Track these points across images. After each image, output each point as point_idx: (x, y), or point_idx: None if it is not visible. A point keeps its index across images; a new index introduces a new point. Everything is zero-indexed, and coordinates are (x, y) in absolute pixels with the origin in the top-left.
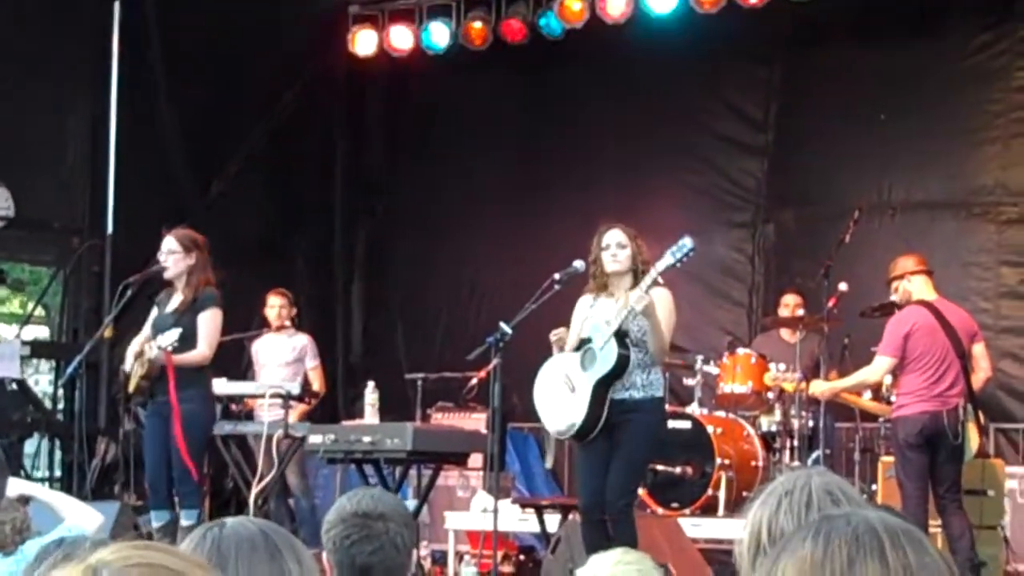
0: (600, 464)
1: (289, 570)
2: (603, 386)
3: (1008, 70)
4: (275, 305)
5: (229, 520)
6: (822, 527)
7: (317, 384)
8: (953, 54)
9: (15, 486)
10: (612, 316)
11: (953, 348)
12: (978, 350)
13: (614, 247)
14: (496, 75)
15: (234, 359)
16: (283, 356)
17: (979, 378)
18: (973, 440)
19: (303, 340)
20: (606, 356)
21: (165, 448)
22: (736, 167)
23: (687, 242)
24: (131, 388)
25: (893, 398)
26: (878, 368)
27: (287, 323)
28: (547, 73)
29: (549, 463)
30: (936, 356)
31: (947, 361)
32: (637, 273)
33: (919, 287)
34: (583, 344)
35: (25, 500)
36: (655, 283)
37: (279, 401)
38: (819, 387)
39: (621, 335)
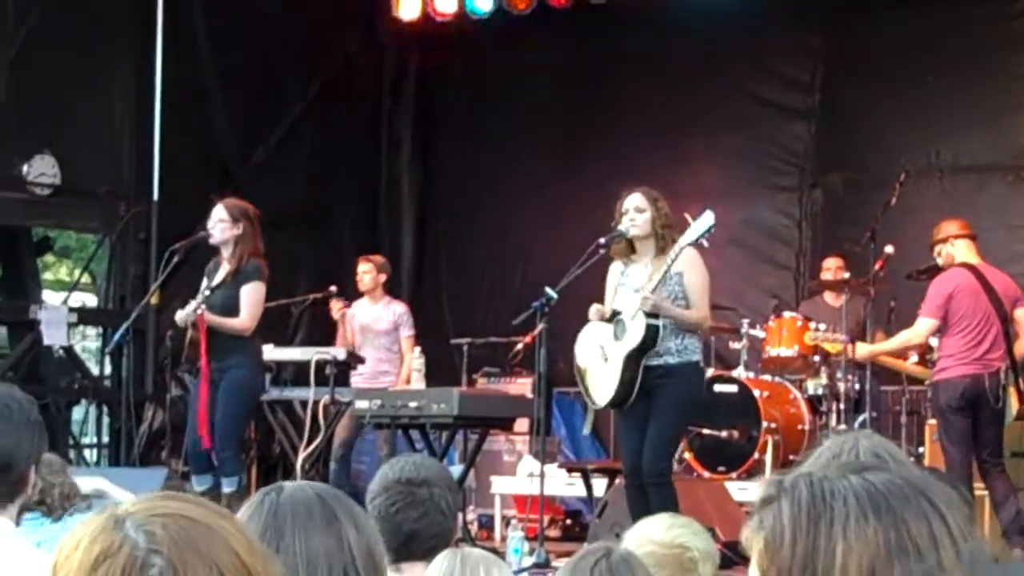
0: (638, 429)
1: (347, 535)
2: (634, 358)
3: None
4: (360, 271)
5: (287, 485)
6: (880, 503)
7: (408, 354)
8: (1001, 15)
9: (90, 482)
10: (642, 285)
11: (996, 311)
12: (1020, 314)
13: (632, 212)
14: (540, 39)
15: (280, 326)
16: (380, 324)
17: (1022, 343)
18: (1014, 403)
19: (399, 309)
20: (635, 329)
21: (210, 413)
22: (783, 131)
23: (709, 218)
24: (183, 357)
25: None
26: (921, 329)
27: (379, 290)
28: (591, 37)
29: (587, 430)
30: (978, 319)
31: (989, 324)
32: (660, 236)
33: (962, 251)
34: (616, 314)
35: (99, 495)
36: (679, 253)
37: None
38: (862, 350)
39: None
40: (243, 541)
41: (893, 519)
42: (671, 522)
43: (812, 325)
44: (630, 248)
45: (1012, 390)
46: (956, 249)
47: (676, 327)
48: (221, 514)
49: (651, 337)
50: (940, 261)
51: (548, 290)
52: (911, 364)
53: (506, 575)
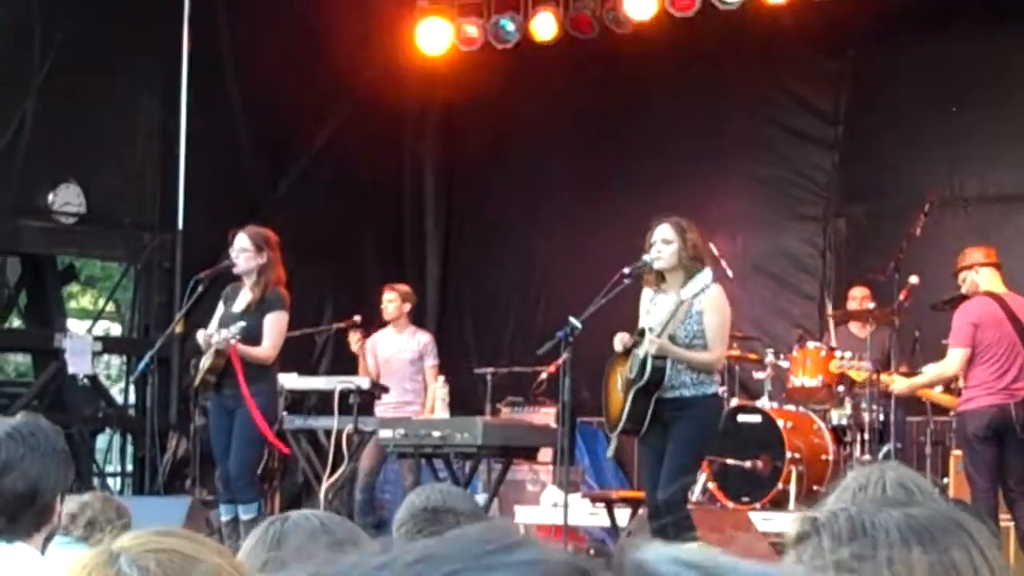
0: (657, 460)
1: None
2: (643, 393)
3: None
4: (384, 300)
5: (293, 514)
6: (922, 533)
7: (432, 384)
8: None
9: None
10: (661, 321)
11: (1020, 340)
12: None
13: (659, 243)
14: (564, 68)
15: (304, 354)
16: (404, 354)
17: None
18: None
19: (424, 338)
20: (643, 367)
21: (230, 442)
22: (806, 161)
23: (707, 275)
24: (196, 382)
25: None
26: (953, 361)
27: (403, 319)
28: (615, 66)
29: (610, 453)
30: (1004, 348)
31: (1014, 353)
32: (687, 268)
33: (987, 279)
34: (636, 343)
35: None
36: (703, 289)
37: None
38: (899, 385)
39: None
40: None
41: (936, 548)
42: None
43: (838, 353)
44: (660, 277)
45: None
46: (980, 277)
47: None
48: (216, 550)
49: (656, 377)
50: (964, 288)
51: (572, 320)
52: (938, 393)
53: None
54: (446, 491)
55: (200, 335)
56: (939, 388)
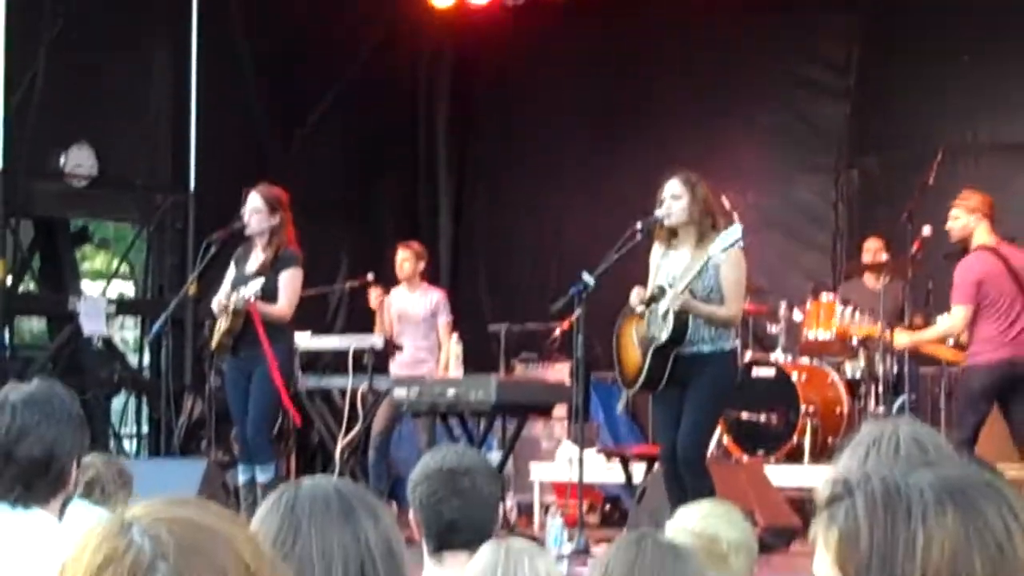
0: (673, 417)
1: (364, 528)
2: (664, 350)
3: None
4: (399, 258)
5: (306, 480)
6: (956, 493)
7: (446, 341)
8: None
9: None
10: (678, 277)
11: (1020, 291)
12: None
13: (668, 199)
14: (572, 25)
15: (317, 313)
16: (417, 311)
17: None
18: None
19: (437, 295)
20: (664, 325)
21: (248, 402)
22: (818, 111)
23: (736, 231)
24: (213, 345)
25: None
26: (958, 318)
27: (416, 277)
28: (626, 21)
29: (620, 408)
30: (1007, 301)
31: (1017, 304)
32: (699, 223)
33: (982, 231)
34: (652, 300)
35: None
36: (712, 230)
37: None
38: (901, 339)
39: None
40: (250, 547)
41: (972, 509)
42: (708, 511)
43: (839, 310)
44: (672, 233)
45: None
46: (979, 228)
47: None
48: (230, 519)
49: (680, 333)
50: (954, 224)
51: (585, 276)
52: (943, 348)
53: (550, 565)
54: (462, 452)
55: (215, 302)
56: (950, 342)
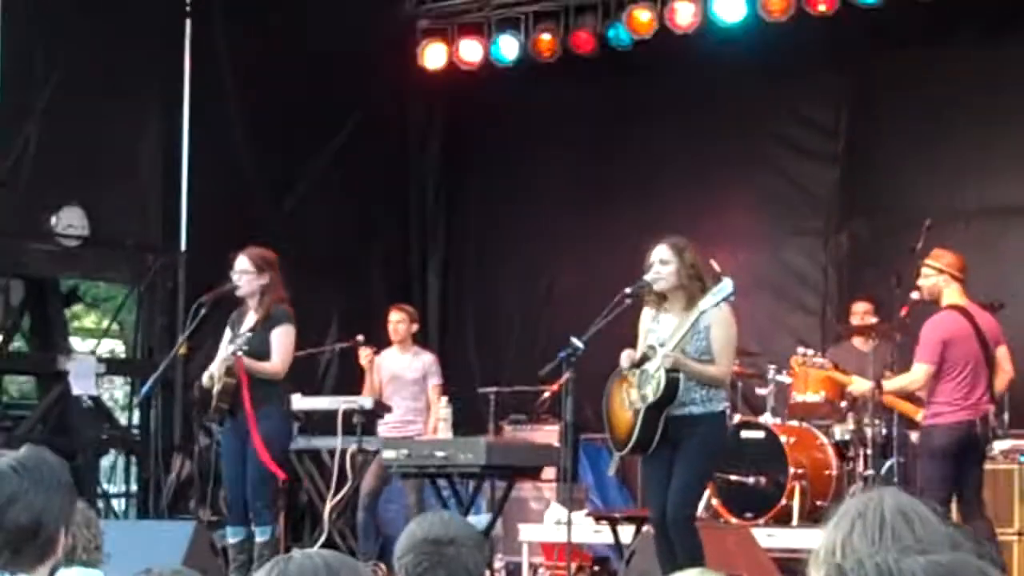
0: (663, 478)
1: None
2: (655, 410)
3: None
4: (392, 321)
5: (297, 553)
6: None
7: (435, 403)
8: None
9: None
10: (668, 338)
11: (984, 354)
12: (1002, 353)
13: (657, 264)
14: (565, 86)
15: (309, 374)
16: (408, 373)
17: (1003, 380)
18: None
19: (428, 358)
20: (656, 383)
21: (243, 465)
22: (807, 175)
23: (728, 286)
24: (211, 408)
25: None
26: (919, 374)
27: (409, 339)
28: (616, 84)
29: (612, 471)
30: (971, 365)
31: (979, 368)
32: (687, 288)
33: (952, 291)
34: (643, 361)
35: None
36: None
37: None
38: (858, 386)
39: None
40: None
41: None
42: None
43: (800, 350)
44: (662, 297)
45: None
46: (949, 289)
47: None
48: None
49: (671, 392)
50: (924, 282)
51: (574, 340)
52: (902, 403)
53: None
54: (447, 520)
55: (206, 376)
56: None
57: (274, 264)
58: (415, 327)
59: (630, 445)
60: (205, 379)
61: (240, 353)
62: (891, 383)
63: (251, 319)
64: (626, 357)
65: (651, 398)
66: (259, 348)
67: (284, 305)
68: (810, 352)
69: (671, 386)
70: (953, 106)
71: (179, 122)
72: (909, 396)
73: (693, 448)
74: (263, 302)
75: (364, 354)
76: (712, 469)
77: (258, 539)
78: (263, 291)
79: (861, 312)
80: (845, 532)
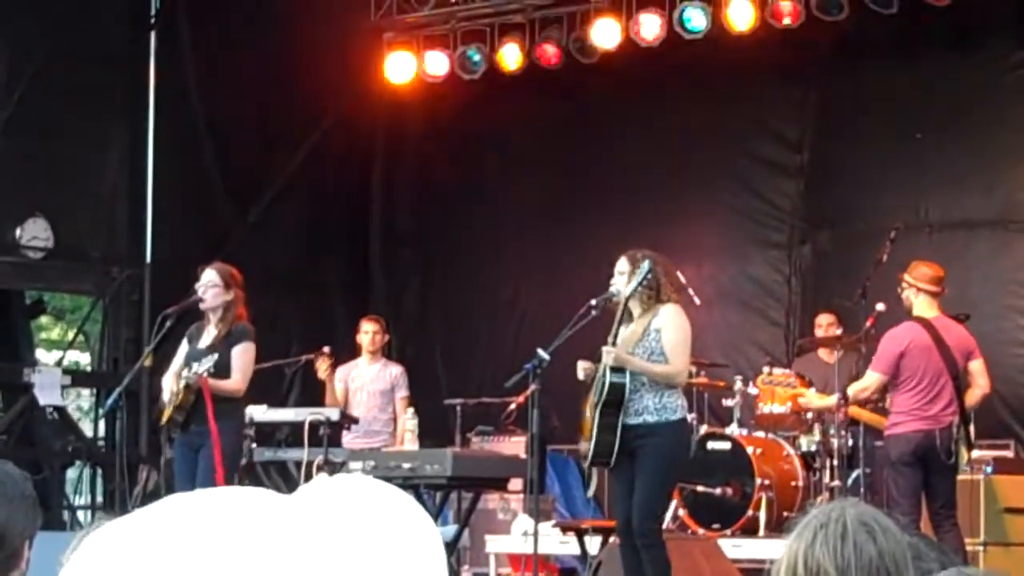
0: (627, 490)
1: None
2: (605, 413)
3: None
4: (369, 331)
5: None
6: None
7: (402, 415)
8: (991, 70)
9: None
10: (621, 343)
11: (947, 367)
12: (975, 367)
13: (616, 275)
14: (531, 98)
15: (273, 386)
16: (377, 384)
17: (975, 394)
18: (964, 456)
19: (396, 370)
20: (602, 384)
21: (193, 481)
22: (772, 188)
23: (645, 265)
24: (164, 419)
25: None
26: (870, 383)
27: (380, 351)
28: (582, 96)
29: (590, 492)
30: (929, 376)
31: (941, 381)
32: (641, 297)
33: (921, 304)
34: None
35: None
36: (656, 302)
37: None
38: (810, 399)
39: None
40: None
41: None
42: None
43: (765, 369)
44: (628, 308)
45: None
46: (917, 300)
47: (653, 384)
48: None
49: (616, 392)
50: (902, 295)
51: (540, 351)
52: (867, 413)
53: None
54: None
55: (166, 377)
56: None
57: (240, 283)
58: (386, 338)
59: (589, 454)
60: (165, 395)
61: (206, 373)
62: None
63: (210, 333)
64: (581, 368)
65: (596, 399)
66: (220, 365)
67: (246, 322)
68: (777, 371)
69: (614, 387)
70: (917, 119)
71: (144, 134)
72: (878, 408)
73: (651, 459)
74: (225, 318)
75: (323, 367)
76: (674, 478)
77: None
78: (227, 307)
79: (826, 324)
80: (807, 543)
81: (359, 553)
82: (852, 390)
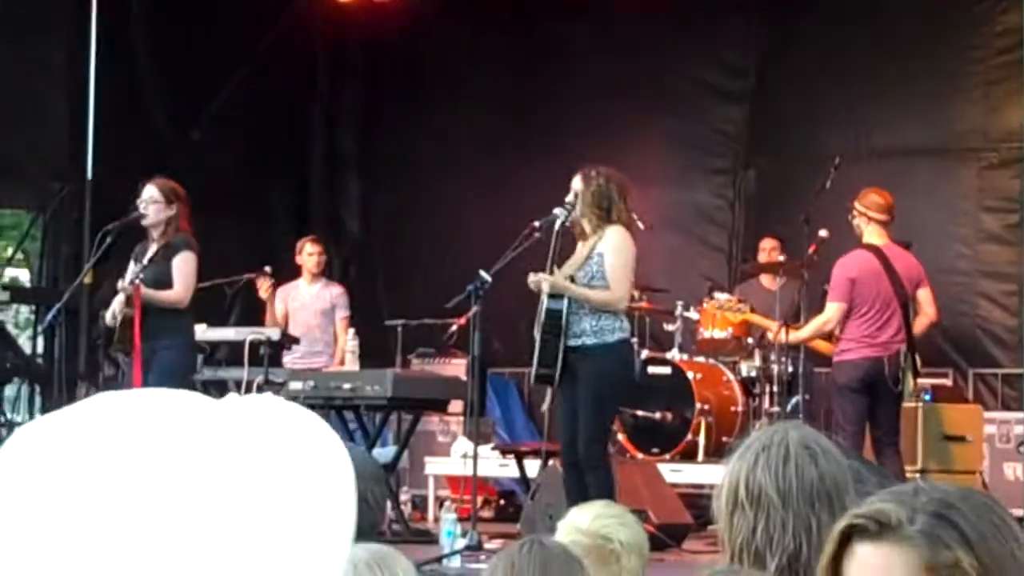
0: (571, 413)
1: None
2: (546, 336)
3: (991, 15)
4: (314, 252)
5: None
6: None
7: (343, 336)
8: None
9: None
10: (568, 265)
11: (896, 294)
12: (923, 295)
13: (570, 194)
14: (478, 22)
15: (215, 306)
16: (317, 305)
17: (922, 322)
18: (910, 384)
19: (336, 290)
20: (541, 308)
21: None
22: (717, 114)
23: (572, 191)
24: (115, 338)
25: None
26: (831, 314)
27: (321, 272)
28: (529, 21)
29: (545, 406)
30: (879, 303)
31: (890, 308)
32: (589, 216)
33: (871, 231)
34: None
35: None
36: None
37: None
38: (760, 320)
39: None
40: None
41: None
42: (600, 511)
43: (715, 295)
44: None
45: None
46: (868, 228)
47: (589, 308)
48: None
49: (553, 317)
50: (854, 222)
51: (482, 273)
52: (819, 342)
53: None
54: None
55: (108, 314)
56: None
57: (183, 198)
58: (325, 259)
59: (533, 371)
60: (108, 318)
61: (138, 281)
62: (806, 329)
63: (152, 249)
64: (532, 279)
65: (538, 322)
66: (160, 277)
67: (186, 234)
68: (720, 296)
69: (552, 313)
70: (860, 48)
71: (86, 53)
72: (827, 335)
73: (590, 381)
74: (166, 232)
75: (263, 286)
76: (615, 399)
77: None
78: (168, 222)
79: (768, 249)
80: (749, 465)
81: (266, 470)
82: (813, 326)
